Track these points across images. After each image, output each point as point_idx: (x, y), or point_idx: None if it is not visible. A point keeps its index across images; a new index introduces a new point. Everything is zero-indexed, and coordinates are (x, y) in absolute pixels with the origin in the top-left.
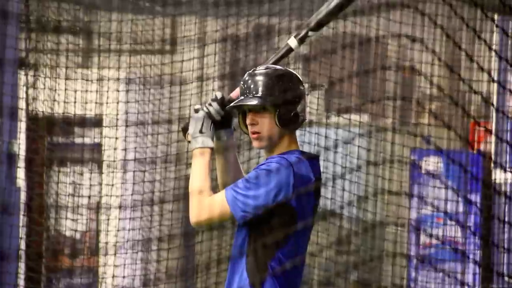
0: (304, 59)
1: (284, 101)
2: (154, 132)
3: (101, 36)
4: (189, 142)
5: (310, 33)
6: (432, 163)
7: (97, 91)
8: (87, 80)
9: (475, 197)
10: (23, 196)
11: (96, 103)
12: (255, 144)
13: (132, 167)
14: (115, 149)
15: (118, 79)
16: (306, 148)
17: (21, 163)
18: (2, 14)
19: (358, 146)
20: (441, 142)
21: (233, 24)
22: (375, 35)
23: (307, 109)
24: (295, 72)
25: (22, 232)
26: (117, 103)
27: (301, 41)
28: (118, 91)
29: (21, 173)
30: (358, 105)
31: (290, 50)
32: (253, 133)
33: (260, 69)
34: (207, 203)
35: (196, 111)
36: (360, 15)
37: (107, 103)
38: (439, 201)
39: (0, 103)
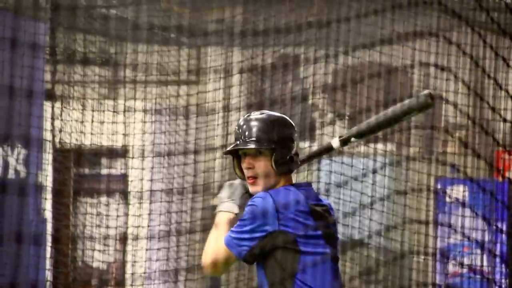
0: (330, 88)
1: (280, 144)
2: (180, 163)
3: (128, 67)
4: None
5: (352, 139)
6: (457, 191)
7: (123, 122)
8: (113, 111)
9: (502, 225)
10: (50, 227)
11: (122, 134)
12: (251, 188)
13: (159, 197)
14: (141, 179)
15: (144, 110)
16: (332, 178)
17: (48, 195)
18: (29, 47)
19: (384, 176)
20: (467, 170)
21: (259, 54)
22: (400, 64)
23: (333, 139)
24: (287, 117)
25: (50, 263)
26: (144, 134)
27: (343, 143)
28: (145, 122)
29: (48, 205)
30: (383, 134)
31: (331, 149)
32: (250, 177)
33: (255, 115)
34: (213, 253)
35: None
36: (386, 44)
37: (133, 134)
38: (466, 230)
39: (28, 135)
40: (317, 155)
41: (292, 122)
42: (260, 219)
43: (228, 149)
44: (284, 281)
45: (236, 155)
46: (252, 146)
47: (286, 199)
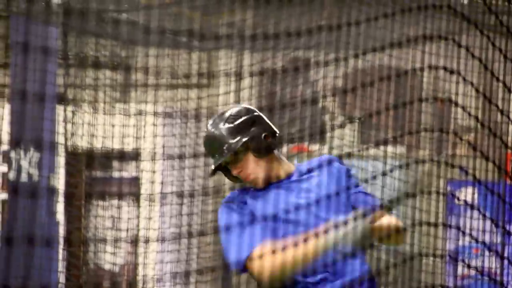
0: (340, 91)
1: (245, 135)
2: (192, 166)
3: (139, 71)
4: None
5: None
6: (468, 194)
7: (135, 126)
8: (125, 114)
9: (510, 228)
10: (62, 230)
11: (134, 137)
12: (253, 184)
13: (170, 200)
14: (153, 182)
15: (156, 113)
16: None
17: (60, 198)
18: (42, 51)
19: (395, 178)
20: (477, 173)
21: (269, 57)
22: (410, 68)
23: (343, 142)
24: (239, 106)
25: (62, 265)
26: (155, 137)
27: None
28: (156, 125)
29: (60, 207)
30: (394, 137)
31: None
32: (245, 179)
33: (210, 126)
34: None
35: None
36: (396, 48)
37: (145, 137)
38: (476, 232)
39: (40, 138)
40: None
41: (246, 107)
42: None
43: (210, 172)
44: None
45: (223, 169)
46: (225, 156)
47: (238, 196)
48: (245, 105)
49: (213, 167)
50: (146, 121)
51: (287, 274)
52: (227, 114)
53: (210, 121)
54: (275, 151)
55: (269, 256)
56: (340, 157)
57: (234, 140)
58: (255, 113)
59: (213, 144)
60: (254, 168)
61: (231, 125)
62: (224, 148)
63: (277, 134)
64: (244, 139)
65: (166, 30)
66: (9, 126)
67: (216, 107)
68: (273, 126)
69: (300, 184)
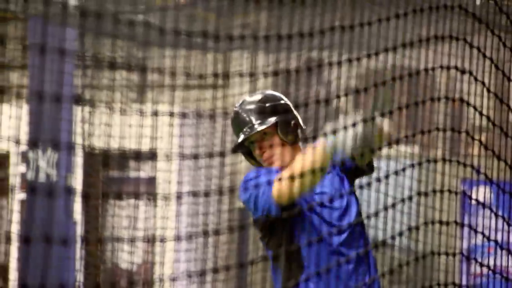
0: (354, 92)
1: (278, 117)
2: (207, 165)
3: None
4: None
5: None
6: (482, 193)
7: (151, 126)
8: (141, 115)
9: None
10: (80, 229)
11: (150, 137)
12: (272, 166)
13: (186, 200)
14: (169, 182)
15: (172, 113)
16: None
17: (78, 197)
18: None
19: (408, 177)
20: (491, 172)
21: (284, 58)
22: (423, 68)
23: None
24: (273, 92)
25: (80, 264)
26: (171, 137)
27: None
28: (172, 125)
29: (78, 207)
30: (408, 136)
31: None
32: (266, 159)
33: (243, 103)
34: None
35: None
36: (409, 48)
37: (161, 137)
38: (490, 231)
39: (58, 139)
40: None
41: (279, 94)
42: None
43: (234, 145)
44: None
45: (245, 149)
46: (257, 129)
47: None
48: (278, 92)
49: (239, 141)
50: (163, 121)
51: (305, 184)
52: (260, 95)
53: (242, 100)
54: (300, 143)
55: (286, 174)
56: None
57: (264, 119)
58: (287, 102)
59: (243, 120)
60: (278, 151)
61: (264, 104)
62: (254, 124)
63: (303, 128)
64: (275, 120)
65: (181, 31)
66: (27, 126)
67: (232, 107)
68: (300, 120)
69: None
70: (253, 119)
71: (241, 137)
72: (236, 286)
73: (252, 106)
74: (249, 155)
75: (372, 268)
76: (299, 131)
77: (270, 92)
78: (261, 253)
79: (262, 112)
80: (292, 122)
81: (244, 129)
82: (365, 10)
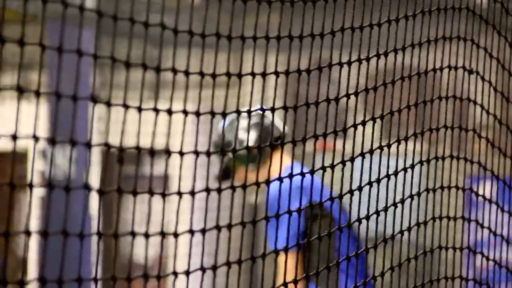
0: (363, 91)
1: (245, 140)
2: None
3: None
4: None
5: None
6: (486, 189)
7: (165, 124)
8: (156, 113)
9: None
10: (96, 224)
11: (164, 135)
12: (259, 182)
13: (200, 196)
14: (183, 179)
15: (185, 111)
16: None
17: (95, 194)
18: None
19: (415, 174)
20: (495, 169)
21: (294, 58)
22: (431, 67)
23: (366, 139)
24: (242, 110)
25: (97, 259)
26: (185, 134)
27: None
28: (186, 123)
29: (94, 203)
30: (415, 134)
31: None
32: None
33: (217, 132)
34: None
35: None
36: (417, 48)
37: (175, 135)
38: (495, 226)
39: (75, 137)
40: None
41: (244, 110)
42: (288, 200)
43: (219, 177)
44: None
45: (231, 174)
46: (223, 164)
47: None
48: (243, 109)
49: (220, 175)
50: (177, 119)
51: None
52: (227, 122)
53: (227, 122)
54: (278, 149)
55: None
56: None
57: (231, 146)
58: (256, 115)
59: (219, 155)
60: (252, 178)
61: (228, 128)
62: (227, 155)
63: (273, 134)
64: (241, 145)
65: (194, 31)
66: (46, 125)
67: (244, 106)
68: (275, 127)
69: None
70: (225, 151)
71: (225, 162)
72: (248, 279)
73: (217, 141)
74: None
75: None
76: (273, 137)
77: (230, 117)
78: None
79: (223, 153)
80: (264, 135)
81: (221, 164)
82: (375, 12)
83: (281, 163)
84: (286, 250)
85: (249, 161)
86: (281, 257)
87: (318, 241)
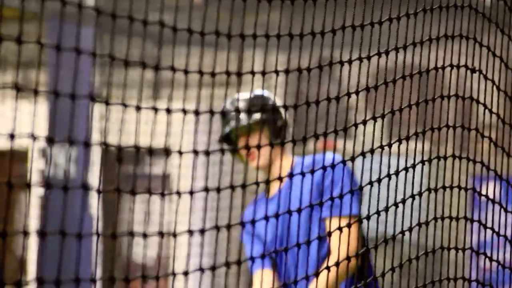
0: (365, 89)
1: (266, 116)
2: (221, 161)
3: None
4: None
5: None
6: (490, 189)
7: (165, 123)
8: (156, 112)
9: None
10: (96, 224)
11: (165, 134)
12: (252, 164)
13: (199, 195)
14: (183, 178)
15: (185, 110)
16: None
17: (95, 193)
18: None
19: (418, 173)
20: (500, 168)
21: (296, 57)
22: (433, 66)
23: (368, 138)
24: (270, 93)
25: (97, 259)
26: (185, 134)
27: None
28: (186, 122)
29: (94, 203)
30: (418, 133)
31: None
32: (248, 154)
33: (235, 98)
34: (353, 237)
35: None
36: (419, 47)
37: (175, 134)
38: (499, 226)
39: (75, 136)
40: None
41: (271, 96)
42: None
43: (220, 136)
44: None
45: (230, 143)
46: (243, 123)
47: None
48: (269, 93)
49: (225, 131)
50: (177, 118)
51: None
52: (251, 94)
53: (232, 97)
54: (286, 147)
55: None
56: (340, 158)
57: (251, 115)
58: (277, 103)
59: (231, 115)
60: (262, 149)
61: (253, 102)
62: (241, 118)
63: (289, 131)
64: (264, 117)
65: (194, 30)
66: (46, 123)
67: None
68: (288, 123)
69: (287, 195)
70: (241, 114)
71: (227, 129)
72: (250, 279)
73: (241, 103)
74: (235, 149)
75: None
76: (286, 133)
77: (261, 92)
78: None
79: (250, 107)
80: (279, 124)
81: (231, 122)
82: (376, 10)
83: (290, 156)
84: (359, 219)
85: (265, 129)
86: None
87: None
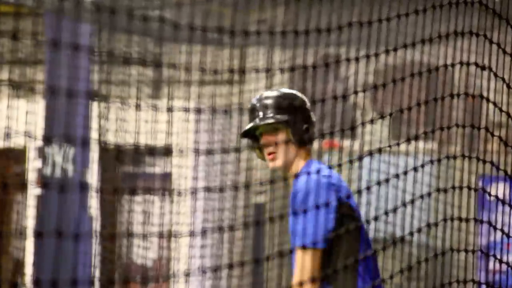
0: (371, 88)
1: (293, 117)
2: (223, 161)
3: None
4: None
5: None
6: (499, 189)
7: (167, 121)
8: (157, 110)
9: None
10: (96, 225)
11: (166, 133)
12: (270, 164)
13: (202, 195)
14: (185, 178)
15: (187, 109)
16: (374, 176)
17: (94, 193)
18: (74, 47)
19: (426, 173)
20: (510, 168)
21: (300, 54)
22: (442, 64)
23: (375, 137)
24: (297, 92)
25: (96, 260)
26: (187, 132)
27: None
28: (188, 121)
29: (94, 203)
30: (426, 132)
31: None
32: (269, 153)
33: (266, 93)
34: (300, 275)
35: None
36: (427, 44)
37: (177, 133)
38: (509, 228)
39: (74, 134)
40: None
41: (303, 97)
42: (324, 196)
43: (244, 129)
44: (352, 262)
45: (253, 136)
46: (268, 121)
47: (327, 172)
48: (299, 93)
49: (247, 127)
50: (178, 117)
51: None
52: (280, 91)
53: (261, 93)
54: (306, 148)
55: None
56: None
57: (278, 114)
58: (307, 105)
59: (257, 110)
60: (282, 149)
61: (281, 100)
62: (267, 116)
63: (313, 138)
64: (289, 118)
65: (196, 27)
66: (43, 122)
67: (247, 103)
68: (314, 127)
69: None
70: (268, 111)
71: (251, 124)
72: (251, 282)
73: (269, 100)
74: (256, 146)
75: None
76: (309, 134)
77: (290, 90)
78: (276, 249)
79: (278, 107)
80: (305, 126)
81: (257, 117)
82: (384, 6)
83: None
84: (314, 245)
85: (287, 131)
86: (302, 253)
87: (345, 242)
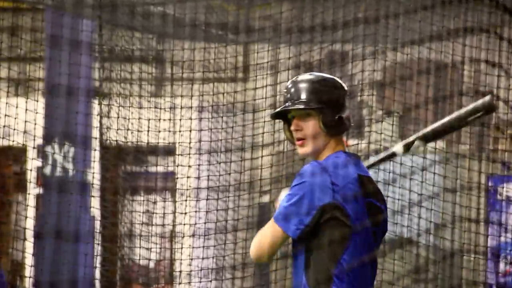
0: (378, 85)
1: (328, 105)
2: (227, 160)
3: (174, 64)
4: None
5: (417, 142)
6: (509, 189)
7: (170, 120)
8: (160, 108)
9: None
10: (97, 225)
11: (169, 131)
12: (300, 151)
13: (205, 195)
14: (188, 177)
15: (190, 107)
16: (381, 175)
17: (96, 192)
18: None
19: (434, 173)
20: None
21: (306, 51)
22: (451, 61)
23: (382, 136)
24: (337, 79)
25: (97, 261)
26: (190, 131)
27: (407, 148)
28: (191, 119)
29: (95, 202)
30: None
31: (393, 155)
32: (298, 139)
33: (303, 76)
34: (259, 236)
35: None
36: (436, 41)
37: (180, 131)
38: None
39: (75, 133)
40: (380, 162)
41: (342, 84)
42: (315, 191)
43: (275, 111)
44: (329, 262)
45: (285, 118)
46: (299, 106)
47: (341, 172)
48: (340, 81)
49: (279, 109)
50: (182, 115)
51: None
52: (320, 77)
53: (302, 75)
54: (337, 138)
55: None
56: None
57: (312, 100)
58: (344, 94)
59: (293, 92)
60: (311, 137)
61: (319, 86)
62: (301, 100)
63: (349, 126)
64: (322, 106)
65: (200, 23)
66: (44, 120)
67: (252, 101)
68: (349, 117)
69: None
70: (302, 95)
71: (283, 106)
72: (256, 284)
73: (305, 84)
74: (287, 127)
75: None
76: (343, 125)
77: (330, 76)
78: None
79: (314, 93)
80: (337, 116)
81: (291, 100)
82: (391, 2)
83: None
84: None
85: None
86: (272, 224)
87: (326, 246)
